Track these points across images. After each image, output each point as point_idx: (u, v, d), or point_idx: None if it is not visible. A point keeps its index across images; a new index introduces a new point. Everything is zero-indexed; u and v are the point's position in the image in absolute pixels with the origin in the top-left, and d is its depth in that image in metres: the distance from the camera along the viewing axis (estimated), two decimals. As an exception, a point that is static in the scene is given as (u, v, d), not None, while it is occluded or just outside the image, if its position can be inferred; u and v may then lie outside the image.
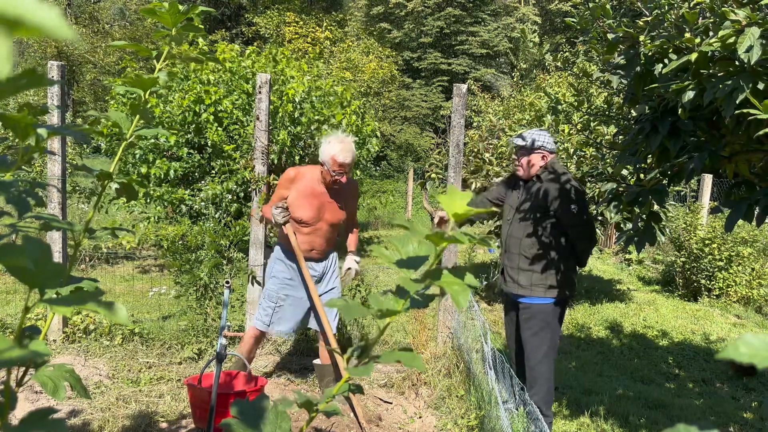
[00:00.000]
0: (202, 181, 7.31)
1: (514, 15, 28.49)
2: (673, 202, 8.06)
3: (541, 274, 3.36)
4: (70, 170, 6.67)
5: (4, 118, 0.86)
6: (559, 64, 3.33)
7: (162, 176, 7.05)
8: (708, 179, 9.18)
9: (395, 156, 23.21)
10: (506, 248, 3.50)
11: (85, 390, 1.15)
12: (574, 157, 6.28)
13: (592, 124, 4.24)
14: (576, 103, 3.66)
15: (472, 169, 7.00)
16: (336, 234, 3.69)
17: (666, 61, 2.42)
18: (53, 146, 4.29)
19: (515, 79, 15.88)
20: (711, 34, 2.24)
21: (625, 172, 4.32)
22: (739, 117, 2.21)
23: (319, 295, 3.64)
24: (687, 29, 2.29)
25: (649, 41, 2.42)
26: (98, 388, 3.74)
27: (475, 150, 7.28)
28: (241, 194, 6.99)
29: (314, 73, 8.59)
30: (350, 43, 19.79)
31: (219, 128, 7.22)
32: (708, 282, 7.61)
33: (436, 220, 3.69)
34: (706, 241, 7.49)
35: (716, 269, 7.52)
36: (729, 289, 7.49)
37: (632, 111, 3.05)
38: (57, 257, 4.33)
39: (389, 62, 20.32)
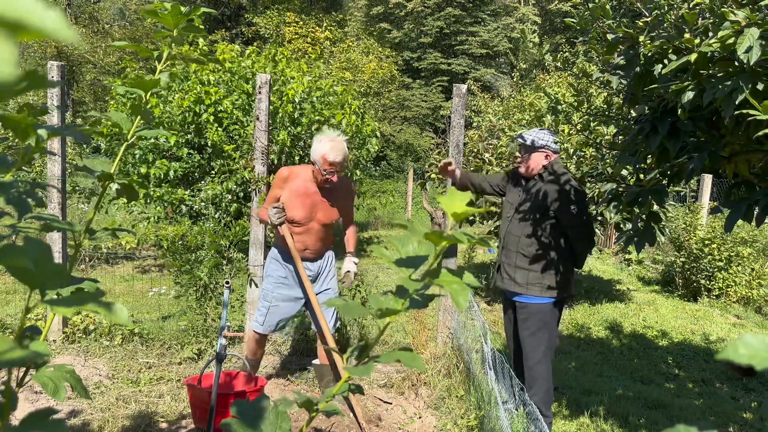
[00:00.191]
0: (202, 182, 7.32)
1: (513, 15, 28.49)
2: (672, 203, 8.06)
3: (539, 274, 3.37)
4: (70, 170, 6.67)
5: (4, 118, 0.86)
6: (558, 64, 3.33)
7: (162, 176, 7.06)
8: (708, 179, 9.19)
9: (395, 156, 23.21)
10: (504, 245, 3.50)
11: (85, 390, 1.15)
12: (574, 157, 6.29)
13: (591, 125, 4.24)
14: (576, 104, 3.66)
15: (471, 169, 7.00)
16: (331, 233, 3.67)
17: (665, 61, 2.42)
18: (53, 146, 4.30)
19: (515, 80, 15.89)
20: (710, 34, 2.24)
21: (624, 172, 4.33)
22: (738, 117, 2.21)
23: (308, 301, 3.64)
24: (686, 30, 2.30)
25: (648, 42, 2.42)
26: (98, 389, 3.74)
27: (475, 150, 7.29)
28: (241, 194, 6.99)
29: (315, 74, 8.59)
30: (350, 44, 19.79)
31: (219, 128, 7.22)
32: (708, 282, 7.61)
33: (440, 164, 3.72)
34: (706, 242, 7.49)
35: (716, 269, 7.52)
36: (729, 290, 7.49)
37: (632, 111, 3.05)
38: (57, 257, 4.33)
39: (389, 62, 20.32)
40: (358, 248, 10.49)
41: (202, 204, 6.75)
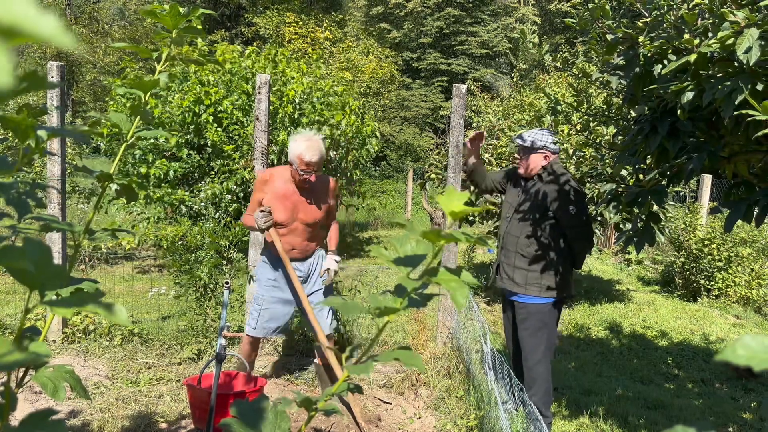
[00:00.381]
0: (202, 182, 7.32)
1: (513, 15, 28.51)
2: (672, 203, 8.06)
3: (538, 275, 3.37)
4: (69, 171, 6.67)
5: (4, 119, 0.87)
6: (558, 64, 3.33)
7: (161, 177, 7.06)
8: (707, 179, 9.19)
9: (395, 156, 23.22)
10: (503, 245, 3.51)
11: (85, 391, 1.15)
12: (574, 157, 6.29)
13: (591, 125, 4.24)
14: (575, 104, 3.66)
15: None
16: (317, 232, 3.63)
17: (665, 61, 2.42)
18: (53, 147, 4.30)
19: (515, 80, 15.90)
20: (710, 35, 2.24)
21: (624, 172, 4.33)
22: (738, 118, 2.21)
23: (307, 296, 3.63)
24: (686, 30, 2.30)
25: (648, 42, 2.43)
26: (98, 389, 3.74)
27: (475, 150, 7.28)
28: (241, 194, 7.00)
29: (316, 74, 8.60)
30: (350, 44, 19.79)
31: (219, 129, 7.23)
32: (707, 282, 7.62)
33: (474, 134, 3.70)
34: (706, 242, 7.49)
35: (715, 269, 7.52)
36: (728, 290, 7.49)
37: (631, 111, 3.05)
38: (57, 258, 4.33)
39: (389, 62, 20.32)
40: (357, 248, 10.50)
41: (202, 204, 6.75)
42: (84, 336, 4.48)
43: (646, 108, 2.68)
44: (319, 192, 3.53)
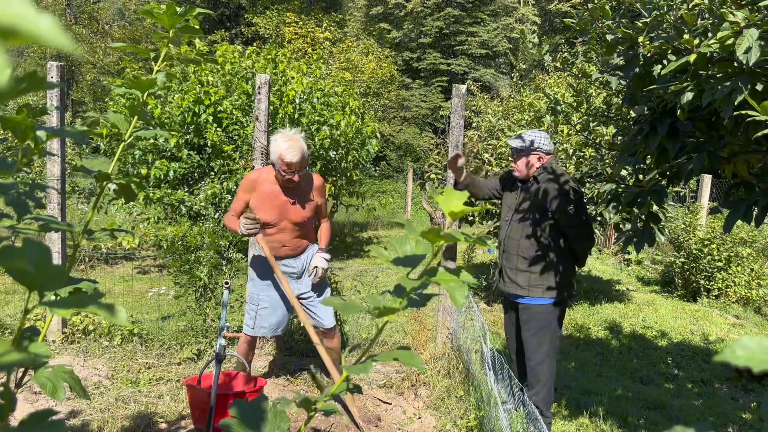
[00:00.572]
0: (202, 182, 7.32)
1: (513, 15, 28.51)
2: (672, 203, 8.07)
3: (540, 275, 3.37)
4: (69, 171, 6.67)
5: (4, 120, 0.87)
6: (558, 64, 3.33)
7: (161, 177, 7.06)
8: (707, 180, 9.19)
9: (394, 156, 23.23)
10: (504, 248, 3.50)
11: (84, 391, 1.15)
12: (574, 157, 6.29)
13: (591, 125, 4.24)
14: (575, 104, 3.67)
15: (471, 169, 7.01)
16: (308, 229, 3.61)
17: (665, 62, 2.42)
18: (52, 147, 4.30)
19: (514, 80, 15.90)
20: (710, 35, 2.24)
21: (624, 172, 4.33)
22: (737, 118, 2.21)
23: (301, 294, 3.62)
24: (686, 30, 2.30)
25: (648, 42, 2.43)
26: (97, 389, 3.74)
27: (475, 150, 7.29)
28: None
29: (316, 74, 8.60)
30: (350, 44, 19.80)
31: (218, 129, 7.23)
32: (707, 282, 7.62)
33: (450, 155, 3.67)
34: (705, 242, 7.49)
35: (715, 270, 7.52)
36: (728, 290, 7.49)
37: (631, 112, 3.05)
38: (56, 258, 4.33)
39: (388, 62, 20.33)
40: (357, 248, 10.50)
41: (202, 204, 6.75)
42: (84, 336, 4.48)
43: (646, 108, 2.68)
44: (305, 191, 3.49)
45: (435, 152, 9.43)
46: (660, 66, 2.44)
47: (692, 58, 2.17)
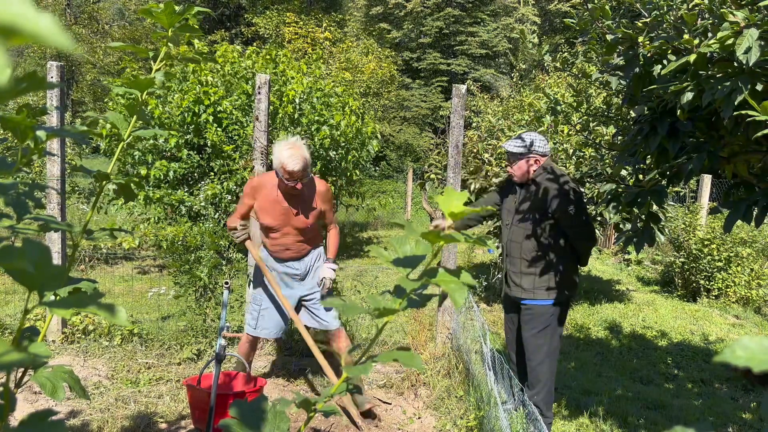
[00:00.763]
0: (202, 182, 7.32)
1: (513, 15, 28.51)
2: (672, 203, 8.07)
3: (544, 277, 3.36)
4: (69, 171, 6.67)
5: (3, 120, 0.86)
6: (558, 64, 3.33)
7: (161, 177, 7.06)
8: (707, 180, 9.19)
9: (394, 156, 23.22)
10: (507, 252, 3.50)
11: (84, 391, 1.15)
12: (573, 157, 6.29)
13: (591, 125, 4.24)
14: (575, 104, 3.67)
15: (471, 169, 7.00)
16: (312, 233, 3.59)
17: (665, 62, 2.42)
18: (52, 147, 4.30)
19: (514, 80, 15.90)
20: (710, 35, 2.24)
21: (624, 172, 4.33)
22: (737, 118, 2.21)
23: (304, 296, 3.62)
24: (686, 30, 2.30)
25: (648, 42, 2.43)
26: (97, 389, 3.74)
27: (475, 150, 7.29)
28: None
29: (316, 74, 8.60)
30: (350, 44, 19.80)
31: (218, 129, 7.22)
32: (707, 282, 7.62)
33: (431, 226, 3.65)
34: (705, 242, 7.49)
35: (715, 270, 7.52)
36: (728, 290, 7.49)
37: (631, 112, 3.05)
38: (56, 258, 4.33)
39: (388, 62, 20.33)
40: (357, 248, 10.50)
41: (202, 204, 6.75)
42: (83, 336, 4.48)
43: (646, 108, 2.68)
44: (308, 197, 3.46)
45: (435, 152, 9.42)
46: (660, 66, 2.44)
47: (692, 58, 2.17)
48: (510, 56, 28.06)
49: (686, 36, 2.24)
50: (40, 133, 0.99)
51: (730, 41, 2.04)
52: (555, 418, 3.81)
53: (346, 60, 17.73)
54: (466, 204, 0.82)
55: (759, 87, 2.03)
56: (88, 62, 23.04)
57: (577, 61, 3.27)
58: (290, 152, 3.24)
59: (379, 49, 20.94)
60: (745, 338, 0.46)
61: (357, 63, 18.00)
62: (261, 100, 4.45)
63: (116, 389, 3.74)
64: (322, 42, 19.42)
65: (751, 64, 1.97)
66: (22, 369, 1.15)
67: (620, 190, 3.08)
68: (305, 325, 3.61)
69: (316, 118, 7.71)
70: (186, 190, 7.32)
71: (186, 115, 7.21)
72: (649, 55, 2.44)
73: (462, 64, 26.18)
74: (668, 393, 4.54)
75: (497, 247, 3.89)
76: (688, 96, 2.24)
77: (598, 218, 6.27)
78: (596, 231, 6.29)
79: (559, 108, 3.65)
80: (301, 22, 21.37)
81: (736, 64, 2.09)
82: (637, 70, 2.51)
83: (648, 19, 2.47)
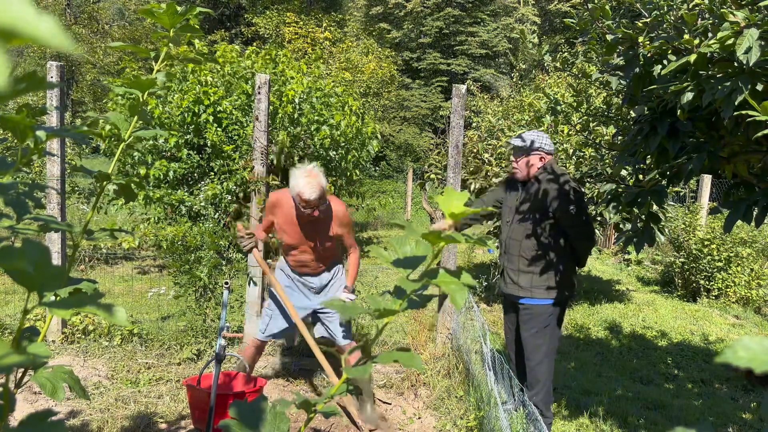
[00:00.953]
0: (202, 182, 7.31)
1: (513, 15, 28.52)
2: (672, 203, 8.06)
3: (543, 276, 3.36)
4: (69, 171, 6.67)
5: (3, 119, 0.86)
6: (558, 64, 3.33)
7: (161, 177, 7.05)
8: (707, 180, 9.19)
9: (394, 156, 23.22)
10: (506, 250, 3.50)
11: (84, 391, 1.15)
12: (573, 157, 6.28)
13: (591, 125, 4.24)
14: (575, 104, 3.67)
15: (471, 169, 7.00)
16: (330, 251, 3.60)
17: (665, 62, 2.42)
18: (52, 147, 4.29)
19: (514, 80, 15.89)
20: (710, 35, 2.24)
21: (624, 172, 4.32)
22: (737, 118, 2.21)
23: (320, 308, 3.63)
24: (686, 30, 2.30)
25: (648, 42, 2.42)
26: (97, 389, 3.74)
27: (475, 150, 7.28)
28: (241, 195, 6.99)
29: (316, 74, 8.60)
30: (350, 44, 19.79)
31: (218, 129, 7.22)
32: (707, 282, 7.62)
33: (431, 228, 3.65)
34: (705, 242, 7.49)
35: (715, 270, 7.52)
36: (728, 290, 7.49)
37: (631, 112, 3.05)
38: (56, 258, 4.33)
39: (388, 62, 20.32)
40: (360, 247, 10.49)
41: (202, 204, 6.75)
42: (83, 336, 4.48)
43: (646, 108, 2.68)
44: (325, 221, 3.48)
45: (435, 152, 9.42)
46: (660, 66, 2.43)
47: (692, 58, 2.17)
48: (510, 56, 28.07)
49: (686, 36, 2.24)
50: (40, 133, 0.99)
51: (730, 41, 2.04)
52: (555, 418, 3.81)
53: (346, 60, 17.73)
54: (466, 204, 0.82)
55: (759, 87, 2.03)
56: (88, 62, 23.04)
57: (577, 61, 3.27)
58: (306, 180, 3.24)
59: (379, 49, 20.93)
60: (746, 339, 0.46)
61: (357, 63, 18.00)
62: (261, 100, 4.45)
63: (116, 389, 3.74)
64: (322, 42, 19.42)
65: (751, 64, 1.97)
66: (22, 369, 1.14)
67: (620, 190, 3.08)
68: (319, 336, 3.66)
69: (316, 117, 7.71)
70: (186, 190, 7.31)
71: (186, 115, 7.21)
72: (649, 55, 2.44)
73: (462, 64, 26.18)
74: (668, 393, 4.54)
75: (497, 247, 3.88)
76: (689, 96, 2.24)
77: (598, 218, 6.27)
78: (596, 231, 6.29)
79: (559, 108, 3.65)
80: (301, 22, 21.37)
81: (736, 64, 2.09)
82: (637, 70, 2.51)
83: (648, 19, 2.47)
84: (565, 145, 6.53)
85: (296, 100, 7.55)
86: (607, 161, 4.64)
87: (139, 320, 5.07)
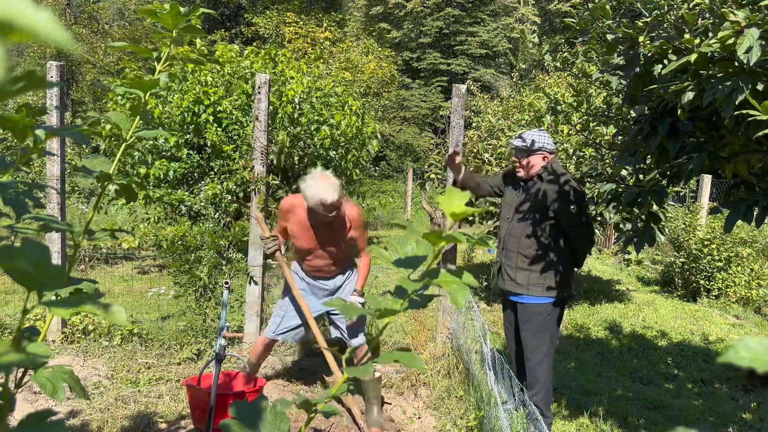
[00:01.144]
0: (202, 182, 7.31)
1: (513, 15, 28.51)
2: (672, 203, 8.06)
3: (540, 275, 3.36)
4: (69, 171, 6.67)
5: (2, 119, 0.86)
6: (558, 64, 3.33)
7: (161, 177, 7.05)
8: (707, 180, 9.19)
9: (394, 156, 23.22)
10: (504, 246, 3.50)
11: (84, 391, 1.15)
12: (574, 157, 6.28)
13: (591, 125, 4.24)
14: (575, 104, 3.66)
15: (471, 169, 7.00)
16: (343, 254, 3.61)
17: (665, 61, 2.42)
18: (52, 147, 4.29)
19: (514, 80, 15.89)
20: (710, 35, 2.24)
21: (624, 172, 4.32)
22: (738, 118, 2.21)
23: (332, 309, 3.63)
24: (686, 30, 2.30)
25: (648, 42, 2.42)
26: (97, 389, 3.73)
27: (475, 150, 7.28)
28: (241, 194, 6.99)
29: (315, 74, 8.59)
30: (350, 44, 19.79)
31: (218, 129, 7.22)
32: (707, 282, 7.62)
33: (449, 155, 3.70)
34: (705, 242, 7.49)
35: (715, 270, 7.52)
36: (728, 290, 7.49)
37: (631, 111, 3.05)
38: (56, 258, 4.33)
39: (388, 62, 20.33)
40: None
41: (202, 204, 6.75)
42: (83, 336, 4.48)
43: (646, 108, 2.68)
44: (339, 224, 3.48)
45: (435, 152, 9.42)
46: (660, 66, 2.43)
47: (693, 57, 2.17)
48: (510, 56, 28.06)
49: (687, 36, 2.24)
50: (39, 132, 0.99)
51: (730, 41, 2.04)
52: (555, 418, 3.81)
53: (346, 60, 17.73)
54: (467, 204, 0.82)
55: (760, 87, 2.03)
56: (88, 62, 23.04)
57: (577, 61, 3.26)
58: (323, 184, 3.23)
59: (379, 49, 20.94)
60: (748, 339, 0.46)
61: (357, 63, 18.00)
62: (261, 99, 4.45)
63: (116, 389, 3.74)
64: (322, 42, 19.41)
65: (751, 64, 1.96)
66: (22, 369, 1.14)
67: (620, 190, 3.08)
68: (333, 337, 3.68)
69: (316, 117, 7.71)
70: (186, 189, 7.31)
71: (186, 115, 7.21)
72: (649, 54, 2.44)
73: (462, 64, 26.18)
74: (668, 393, 4.54)
75: (496, 245, 3.88)
76: (689, 96, 2.24)
77: (598, 218, 6.27)
78: (596, 231, 6.29)
79: (559, 108, 3.65)
80: (301, 22, 21.37)
81: (736, 63, 2.08)
82: (637, 69, 2.51)
83: (648, 19, 2.47)
84: (565, 145, 6.53)
85: (296, 100, 7.54)
86: (608, 161, 4.64)
87: (139, 320, 5.07)
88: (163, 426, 3.33)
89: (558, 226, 3.34)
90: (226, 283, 3.26)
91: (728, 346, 0.45)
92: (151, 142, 7.11)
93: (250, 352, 3.73)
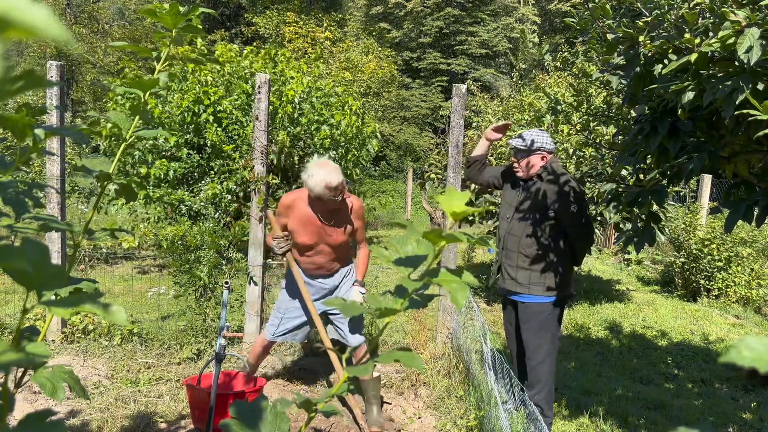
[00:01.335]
0: (202, 182, 7.31)
1: (513, 15, 28.52)
2: (672, 203, 8.06)
3: (540, 274, 3.36)
4: (69, 170, 6.67)
5: (2, 118, 0.86)
6: (558, 64, 3.32)
7: (161, 177, 7.05)
8: (707, 179, 9.18)
9: (394, 156, 23.23)
10: (504, 245, 3.50)
11: (84, 390, 1.15)
12: (574, 157, 6.28)
13: (591, 125, 4.23)
14: (575, 104, 3.66)
15: (471, 169, 7.00)
16: (344, 251, 3.61)
17: (666, 61, 2.42)
18: (52, 146, 4.29)
19: (514, 80, 15.88)
20: (711, 34, 2.24)
21: (624, 172, 4.32)
22: (738, 118, 2.21)
23: (331, 309, 3.63)
24: (687, 30, 2.29)
25: (648, 41, 2.42)
26: (97, 389, 3.73)
27: (475, 150, 7.28)
28: (241, 194, 6.99)
29: (315, 74, 8.60)
30: (350, 43, 19.79)
31: (218, 128, 7.22)
32: (707, 282, 7.61)
33: (484, 137, 3.65)
34: (706, 242, 7.49)
35: (715, 269, 7.52)
36: (728, 290, 7.49)
37: (632, 111, 3.05)
38: (56, 258, 4.33)
39: (388, 62, 20.32)
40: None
41: (202, 204, 6.75)
42: (83, 336, 4.48)
43: (646, 108, 2.68)
44: (342, 214, 3.49)
45: (435, 152, 9.42)
46: (661, 65, 2.43)
47: (693, 57, 2.17)
48: (510, 56, 28.07)
49: (687, 35, 2.24)
50: (39, 132, 0.99)
51: (731, 40, 2.03)
52: (555, 418, 3.81)
53: (346, 60, 17.73)
54: (467, 204, 0.82)
55: (760, 86, 2.03)
56: (88, 62, 23.04)
57: (578, 61, 3.26)
58: (325, 170, 3.25)
59: (379, 49, 20.94)
60: (750, 339, 0.46)
61: (357, 63, 18.00)
62: (261, 99, 4.45)
63: (116, 389, 3.74)
64: (322, 42, 19.41)
65: (752, 64, 1.96)
66: (22, 369, 1.14)
67: (620, 189, 3.08)
68: (331, 338, 3.66)
69: (316, 117, 7.71)
70: (186, 189, 7.31)
71: (186, 114, 7.21)
72: (649, 54, 2.44)
73: (462, 64, 26.19)
74: (668, 393, 4.54)
75: (496, 244, 3.87)
76: (689, 95, 2.24)
77: (598, 218, 6.27)
78: (596, 231, 6.29)
79: (559, 108, 3.65)
80: (301, 22, 21.37)
81: (737, 63, 2.08)
82: (637, 69, 2.51)
83: (649, 19, 2.46)
84: (565, 145, 6.53)
85: (296, 100, 7.54)
86: (608, 161, 4.63)
87: (139, 320, 5.07)
88: (163, 426, 3.33)
89: (558, 225, 3.34)
90: (226, 282, 3.26)
91: (729, 346, 0.45)
92: (151, 141, 7.11)
93: (249, 353, 3.73)
